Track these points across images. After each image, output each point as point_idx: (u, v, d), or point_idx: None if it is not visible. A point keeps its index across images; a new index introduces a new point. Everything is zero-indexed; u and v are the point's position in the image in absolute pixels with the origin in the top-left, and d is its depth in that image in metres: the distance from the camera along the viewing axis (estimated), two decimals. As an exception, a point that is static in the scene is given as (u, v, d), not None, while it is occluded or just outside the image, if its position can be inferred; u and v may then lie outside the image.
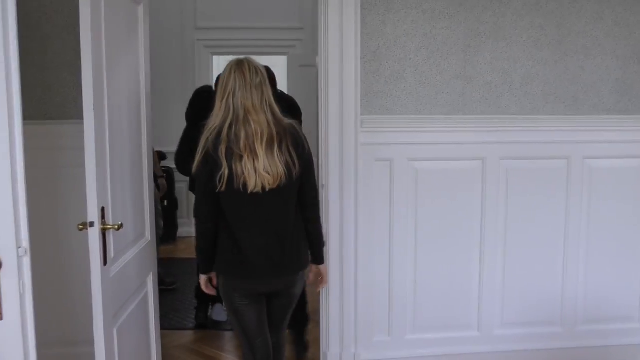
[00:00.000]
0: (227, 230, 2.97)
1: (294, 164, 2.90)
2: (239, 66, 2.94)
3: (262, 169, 2.83)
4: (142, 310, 3.49)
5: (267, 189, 2.86)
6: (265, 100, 2.91)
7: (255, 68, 2.95)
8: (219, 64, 9.96)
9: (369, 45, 3.78)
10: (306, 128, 4.18)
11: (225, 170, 2.83)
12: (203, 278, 3.16)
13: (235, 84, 2.89)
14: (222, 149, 2.83)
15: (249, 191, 2.85)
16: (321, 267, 3.21)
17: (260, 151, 2.83)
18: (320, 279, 3.25)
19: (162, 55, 7.09)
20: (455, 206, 3.96)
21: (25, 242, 2.02)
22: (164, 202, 7.13)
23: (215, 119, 2.91)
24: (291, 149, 2.90)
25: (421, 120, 3.85)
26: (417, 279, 4.01)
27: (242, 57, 3.02)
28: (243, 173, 2.83)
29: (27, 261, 2.03)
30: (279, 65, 9.35)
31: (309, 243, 3.11)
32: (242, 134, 2.84)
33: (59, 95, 3.72)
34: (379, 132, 3.84)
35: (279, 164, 2.85)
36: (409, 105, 3.85)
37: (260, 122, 2.86)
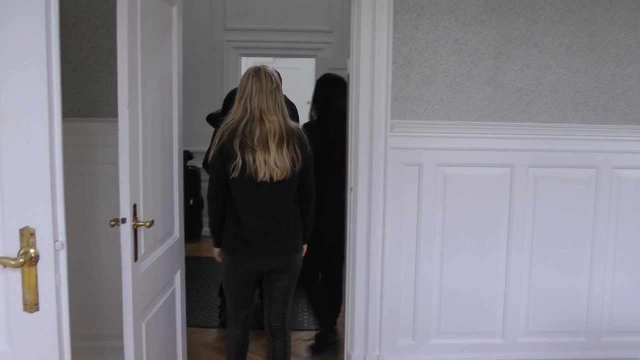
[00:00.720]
0: (233, 212, 3.40)
1: (297, 160, 3.35)
2: (257, 73, 3.37)
3: (272, 163, 3.28)
4: (169, 307, 3.52)
5: (275, 180, 3.30)
6: (278, 105, 3.38)
7: (270, 75, 3.39)
8: (247, 65, 10.01)
9: (400, 49, 3.79)
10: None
11: (239, 160, 3.27)
12: (216, 251, 3.59)
13: (253, 89, 3.34)
14: (237, 142, 3.27)
15: (258, 180, 3.29)
16: (304, 245, 3.64)
17: (272, 147, 3.28)
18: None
19: (191, 56, 7.15)
20: (482, 212, 3.96)
21: (62, 236, 2.06)
22: (189, 201, 7.20)
23: (232, 117, 3.36)
24: (297, 147, 3.35)
25: (451, 126, 3.86)
26: (443, 284, 4.01)
27: (259, 65, 3.45)
28: (254, 163, 3.27)
29: (63, 254, 2.07)
30: (306, 67, 9.40)
31: (304, 226, 3.56)
32: (257, 131, 3.28)
33: (92, 93, 3.77)
34: (408, 136, 3.85)
35: (286, 159, 3.31)
36: (439, 110, 3.85)
37: (274, 122, 3.31)
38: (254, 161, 3.27)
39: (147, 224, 2.94)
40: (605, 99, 3.93)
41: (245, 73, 3.44)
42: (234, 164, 3.27)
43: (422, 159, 3.88)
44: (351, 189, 3.90)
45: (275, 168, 3.28)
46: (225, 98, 4.57)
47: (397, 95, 3.83)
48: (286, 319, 3.63)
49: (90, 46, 3.75)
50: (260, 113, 3.31)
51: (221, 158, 3.32)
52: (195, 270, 6.58)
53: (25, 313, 2.03)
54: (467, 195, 3.94)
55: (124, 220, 2.77)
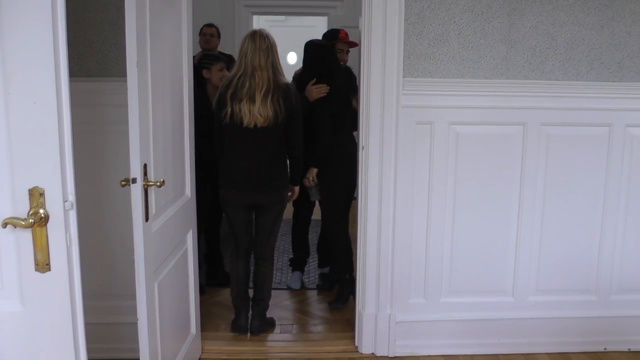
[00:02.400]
0: (226, 153, 4.10)
1: (280, 112, 3.97)
2: (252, 35, 4.01)
3: (256, 112, 3.93)
4: (182, 266, 3.55)
5: (259, 126, 3.95)
6: (270, 62, 3.98)
7: (265, 37, 4.00)
8: (259, 23, 9.96)
9: (413, 6, 3.73)
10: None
11: (228, 109, 3.97)
12: None
13: (248, 48, 3.98)
14: (229, 93, 3.97)
15: (244, 125, 3.95)
16: (295, 187, 4.38)
17: (258, 98, 3.93)
18: (291, 194, 4.38)
19: (201, 14, 7.08)
20: (494, 171, 3.94)
21: (72, 196, 2.07)
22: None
23: (232, 73, 4.06)
24: (280, 100, 3.97)
25: (463, 84, 3.82)
26: (454, 243, 4.01)
27: (257, 29, 4.11)
28: (240, 112, 3.94)
29: (73, 214, 2.08)
30: (319, 26, 9.32)
31: (290, 170, 4.26)
32: (247, 84, 3.94)
33: (101, 52, 3.74)
34: (420, 94, 3.81)
35: (269, 109, 3.94)
36: (451, 68, 3.81)
37: (263, 77, 3.94)
38: (240, 110, 3.94)
39: (158, 183, 2.94)
40: (620, 57, 3.87)
41: (244, 36, 4.08)
42: (225, 111, 3.98)
43: (434, 118, 3.85)
44: (363, 147, 3.88)
45: (259, 116, 3.93)
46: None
47: (409, 53, 3.79)
48: (269, 247, 4.32)
49: (98, 4, 3.71)
50: (252, 69, 3.95)
51: (218, 107, 4.02)
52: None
53: (37, 273, 2.05)
54: (479, 154, 3.91)
55: (134, 180, 2.77)
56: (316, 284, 5.37)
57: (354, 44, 5.06)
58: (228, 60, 5.75)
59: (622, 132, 3.94)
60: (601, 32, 3.84)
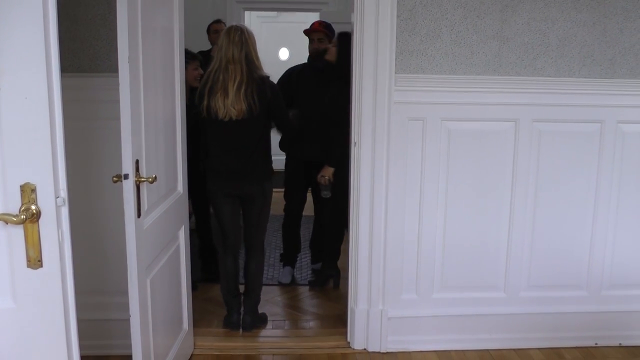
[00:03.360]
0: (209, 148, 4.21)
1: (255, 105, 4.02)
2: (228, 30, 4.08)
3: (229, 104, 3.99)
4: (174, 263, 3.54)
5: (234, 119, 4.02)
6: (244, 55, 4.02)
7: (240, 30, 4.06)
8: (251, 19, 9.93)
9: (405, 3, 3.73)
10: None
11: (205, 102, 4.05)
12: None
13: (223, 42, 4.05)
14: (207, 87, 4.05)
15: (219, 118, 4.03)
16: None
17: (231, 91, 3.99)
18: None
19: (193, 10, 7.07)
20: (486, 167, 3.94)
21: (64, 192, 2.05)
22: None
23: (209, 68, 4.11)
24: (255, 95, 4.02)
25: (456, 80, 3.82)
26: (446, 239, 4.02)
27: (232, 25, 4.16)
28: (215, 105, 4.02)
29: (65, 211, 2.06)
30: (310, 22, 9.29)
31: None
32: (221, 77, 4.02)
33: (92, 48, 3.72)
34: (412, 90, 3.81)
35: (243, 102, 4.00)
36: (443, 64, 3.81)
37: (236, 70, 4.00)
38: (215, 103, 4.02)
39: (150, 179, 2.94)
40: (612, 53, 3.88)
41: (223, 30, 4.19)
42: (202, 105, 4.07)
43: (426, 114, 3.85)
44: (355, 143, 3.88)
45: (232, 109, 4.00)
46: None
47: (401, 49, 3.78)
48: (258, 240, 4.39)
49: (89, 0, 3.69)
50: (226, 62, 4.02)
51: (199, 102, 4.09)
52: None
53: (29, 269, 2.03)
54: (471, 150, 3.92)
55: (126, 176, 2.77)
56: (308, 280, 5.37)
57: (323, 32, 5.13)
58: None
59: (614, 128, 3.96)
60: (593, 28, 3.84)
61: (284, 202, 5.25)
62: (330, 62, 4.82)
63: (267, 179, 4.28)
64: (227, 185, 4.21)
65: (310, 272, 5.53)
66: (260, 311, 4.50)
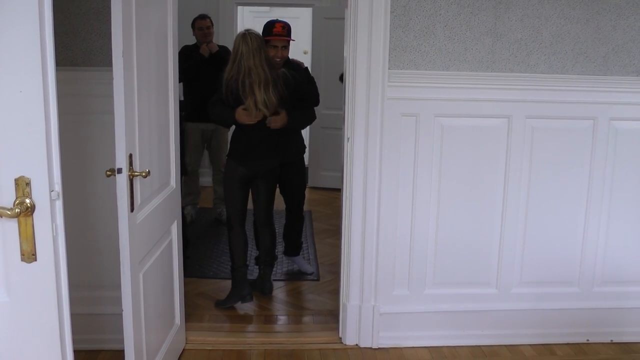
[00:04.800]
0: (240, 131, 4.58)
1: (285, 94, 4.51)
2: (244, 37, 4.41)
3: (260, 104, 4.41)
4: (166, 257, 3.54)
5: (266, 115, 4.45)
6: (263, 58, 4.42)
7: (255, 37, 4.43)
8: (243, 14, 9.91)
9: (399, -2, 3.74)
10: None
11: (230, 100, 4.42)
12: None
13: (242, 49, 4.39)
14: (238, 92, 4.38)
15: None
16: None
17: (257, 92, 4.38)
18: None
19: (187, 4, 7.05)
20: (479, 163, 3.95)
21: (58, 186, 2.05)
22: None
23: (230, 74, 4.43)
24: (282, 86, 4.50)
25: (449, 77, 3.82)
26: (439, 235, 4.02)
27: (244, 30, 4.50)
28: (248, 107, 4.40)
29: (59, 204, 2.06)
30: (304, 17, 9.30)
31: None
32: (247, 82, 4.38)
33: (86, 41, 3.71)
34: (406, 87, 3.82)
35: (273, 98, 4.44)
36: (437, 60, 3.82)
37: (259, 73, 4.39)
38: (247, 106, 4.39)
39: (143, 174, 2.93)
40: (605, 50, 3.90)
41: (236, 37, 4.50)
42: (232, 101, 4.42)
43: (420, 110, 3.86)
44: (348, 139, 3.88)
45: (264, 108, 4.43)
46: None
47: (395, 45, 3.79)
48: (270, 216, 4.89)
49: (83, -6, 3.69)
50: (249, 68, 4.37)
51: (229, 101, 4.46)
52: (192, 220, 6.60)
53: (23, 263, 2.03)
54: (464, 146, 3.93)
55: (119, 171, 2.76)
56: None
57: (288, 39, 4.82)
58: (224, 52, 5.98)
59: (607, 125, 3.97)
60: (587, 25, 3.85)
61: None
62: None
63: (279, 157, 4.81)
64: (248, 165, 4.61)
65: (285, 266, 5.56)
66: (251, 299, 4.71)
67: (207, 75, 6.05)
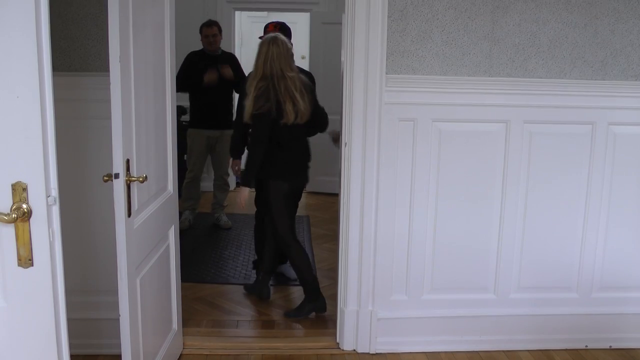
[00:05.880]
0: (279, 149, 4.41)
1: (311, 104, 4.44)
2: (275, 41, 4.36)
3: (301, 108, 4.33)
4: (164, 263, 3.53)
5: (300, 122, 4.37)
6: (293, 62, 4.43)
7: (284, 42, 4.39)
8: (241, 19, 9.91)
9: (396, 3, 3.73)
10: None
11: (278, 109, 4.27)
12: (247, 190, 4.54)
13: (273, 53, 4.31)
14: (273, 95, 4.26)
15: (289, 124, 4.32)
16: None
17: (297, 96, 4.30)
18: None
19: (184, 9, 7.06)
20: (477, 168, 3.95)
21: (55, 191, 2.04)
22: (182, 157, 7.18)
23: (257, 80, 4.32)
24: (309, 94, 4.44)
25: (446, 81, 3.82)
26: (436, 240, 4.02)
27: (273, 35, 4.46)
28: (285, 111, 4.27)
29: (56, 210, 2.06)
30: (301, 22, 9.31)
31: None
32: (282, 86, 4.28)
33: (83, 47, 3.70)
34: (403, 91, 3.81)
35: (307, 104, 4.38)
36: (434, 65, 3.82)
37: (293, 78, 4.34)
38: (285, 109, 4.27)
39: (141, 179, 2.93)
40: (604, 55, 3.90)
41: (264, 42, 4.41)
42: (275, 112, 4.26)
43: (417, 115, 3.85)
44: (345, 144, 3.88)
45: (305, 112, 4.35)
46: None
47: (392, 50, 3.79)
48: (292, 230, 4.69)
49: (81, -1, 3.69)
50: (282, 71, 4.29)
51: (266, 109, 4.26)
52: (189, 225, 6.60)
53: (20, 268, 2.02)
54: (462, 151, 3.93)
55: (117, 176, 2.76)
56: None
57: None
58: (231, 58, 6.00)
59: (605, 130, 3.97)
60: (585, 30, 3.86)
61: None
62: None
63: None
64: (294, 181, 4.62)
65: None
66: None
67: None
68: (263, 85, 4.29)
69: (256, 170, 4.42)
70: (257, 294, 4.90)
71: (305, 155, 4.63)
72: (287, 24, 5.15)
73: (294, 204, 4.75)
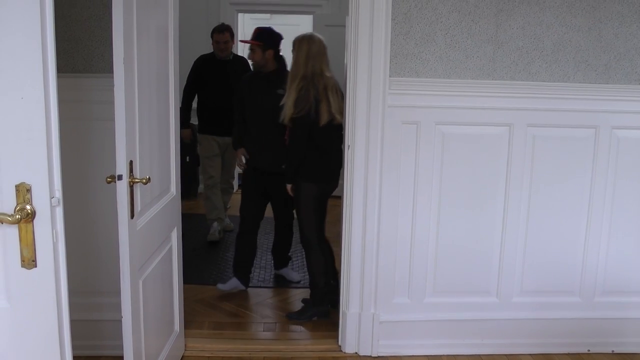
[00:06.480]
0: (315, 150, 4.37)
1: (341, 105, 4.24)
2: (312, 38, 4.36)
3: (333, 109, 4.26)
4: (166, 264, 3.53)
5: (335, 123, 4.27)
6: (328, 62, 4.37)
7: (320, 40, 4.37)
8: (244, 21, 9.92)
9: (400, 6, 3.73)
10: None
11: (316, 109, 4.24)
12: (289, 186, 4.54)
13: (312, 50, 4.29)
14: (311, 95, 4.23)
15: (321, 124, 4.26)
16: None
17: (332, 97, 4.27)
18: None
19: (187, 12, 7.06)
20: (480, 172, 3.95)
21: (58, 192, 2.05)
22: (185, 158, 7.18)
23: (297, 79, 4.28)
24: (341, 94, 4.30)
25: (450, 84, 3.82)
26: (439, 243, 4.01)
27: (309, 33, 4.52)
28: (320, 111, 4.24)
29: (59, 211, 2.06)
30: (304, 24, 9.31)
31: None
32: (321, 85, 4.26)
33: (87, 48, 3.71)
34: (407, 94, 3.81)
35: (341, 104, 4.20)
36: (438, 68, 3.82)
37: (329, 77, 4.31)
38: (320, 109, 4.24)
39: (144, 180, 2.93)
40: (607, 58, 3.89)
41: (302, 39, 4.37)
42: (313, 114, 4.23)
43: (420, 118, 3.85)
44: (348, 146, 3.88)
45: (337, 115, 4.25)
46: None
47: (396, 52, 3.79)
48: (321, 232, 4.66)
49: (84, 0, 3.68)
50: (320, 70, 4.28)
51: (305, 112, 4.23)
52: (191, 227, 6.58)
53: (24, 269, 2.03)
54: (465, 154, 3.92)
55: (120, 177, 2.76)
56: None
57: (252, 42, 4.89)
58: (242, 62, 5.98)
59: (608, 134, 3.96)
60: (588, 33, 3.85)
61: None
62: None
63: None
64: (332, 184, 4.60)
65: (272, 275, 5.54)
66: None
67: (221, 87, 6.06)
68: (303, 85, 4.26)
69: (295, 169, 4.42)
70: (323, 311, 4.66)
71: (339, 159, 4.36)
72: (288, 27, 5.16)
73: (324, 207, 4.62)
